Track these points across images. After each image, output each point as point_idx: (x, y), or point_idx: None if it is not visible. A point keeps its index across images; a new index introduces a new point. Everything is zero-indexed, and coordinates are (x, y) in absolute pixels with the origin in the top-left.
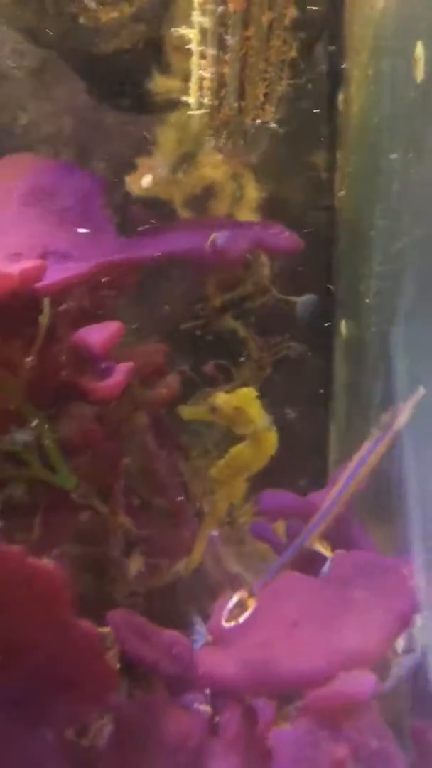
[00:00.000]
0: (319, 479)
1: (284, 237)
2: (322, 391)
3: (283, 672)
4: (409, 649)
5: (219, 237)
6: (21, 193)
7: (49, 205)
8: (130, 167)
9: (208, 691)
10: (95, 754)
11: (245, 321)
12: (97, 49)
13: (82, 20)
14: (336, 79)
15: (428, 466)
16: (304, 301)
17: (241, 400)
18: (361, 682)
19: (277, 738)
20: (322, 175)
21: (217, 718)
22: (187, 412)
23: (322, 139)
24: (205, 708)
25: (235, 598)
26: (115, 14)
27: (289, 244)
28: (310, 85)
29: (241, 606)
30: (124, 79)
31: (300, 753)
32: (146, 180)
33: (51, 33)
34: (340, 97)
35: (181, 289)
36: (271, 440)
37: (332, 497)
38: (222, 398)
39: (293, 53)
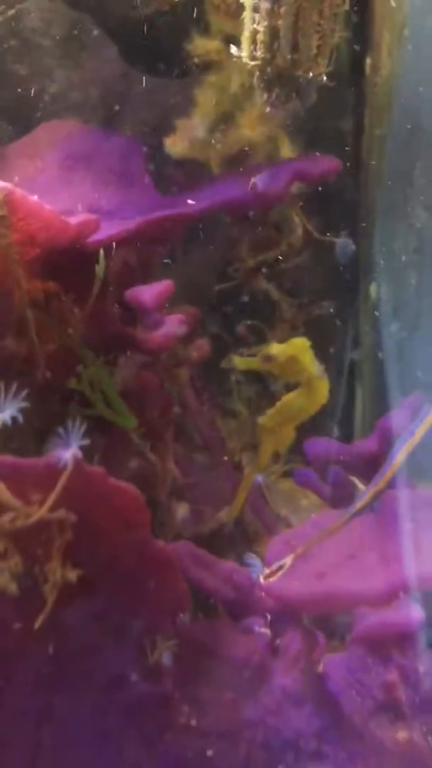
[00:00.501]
0: (346, 438)
1: (321, 161)
2: (349, 352)
3: (345, 592)
4: None
5: (259, 180)
6: (63, 156)
7: (92, 168)
8: (163, 132)
9: (268, 617)
10: (164, 670)
11: (278, 282)
12: (136, 11)
13: None
14: (363, 44)
15: None
16: (342, 243)
17: (295, 349)
18: (410, 612)
19: (330, 663)
20: (349, 136)
21: (277, 641)
22: (239, 362)
23: (350, 102)
24: (266, 631)
25: None
26: None
27: (326, 166)
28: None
29: None
30: (161, 42)
31: (352, 677)
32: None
33: None
34: (368, 61)
35: (215, 251)
36: (323, 389)
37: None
38: (276, 347)
39: (346, 6)
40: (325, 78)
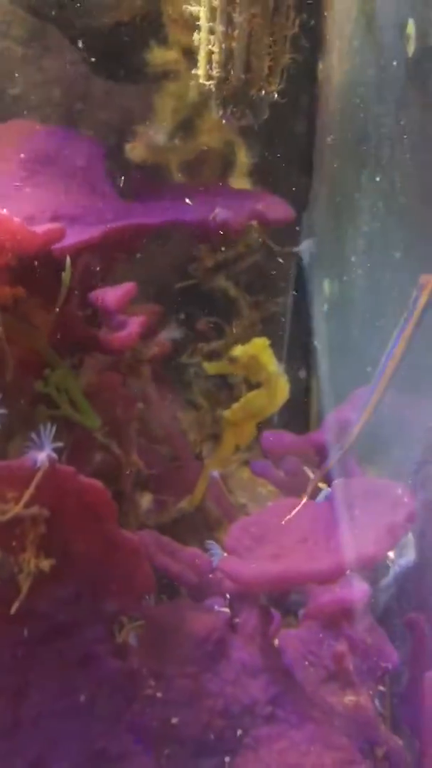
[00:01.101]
0: (301, 430)
1: (278, 209)
2: (304, 346)
3: (296, 571)
4: (402, 555)
5: (221, 213)
6: (26, 158)
7: (54, 171)
8: (123, 134)
9: (227, 596)
10: (131, 648)
11: (235, 280)
12: (97, 21)
13: None
14: (315, 48)
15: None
16: (306, 246)
17: (255, 348)
18: (357, 590)
19: (286, 637)
20: (303, 138)
21: (236, 619)
22: (210, 367)
23: (303, 106)
24: (226, 610)
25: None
26: None
27: (282, 215)
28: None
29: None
30: (122, 51)
31: (306, 649)
32: None
33: (52, 7)
34: (320, 66)
35: (176, 250)
36: (283, 386)
37: (375, 380)
38: (239, 349)
39: (295, 29)
40: (276, 95)
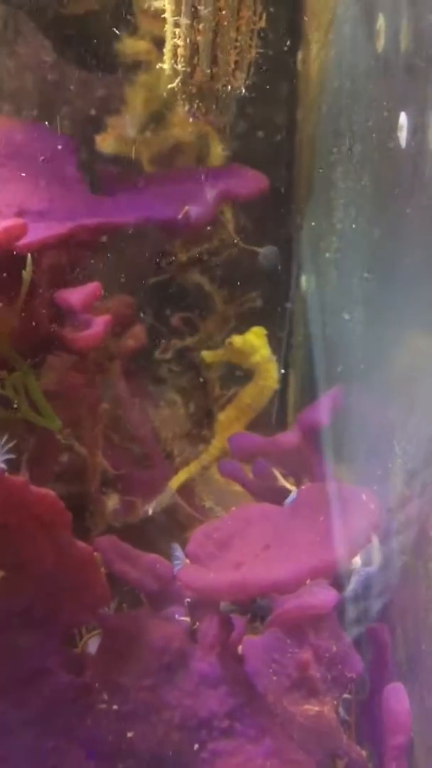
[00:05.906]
0: (280, 424)
1: (250, 180)
2: (282, 340)
3: (255, 581)
4: (367, 563)
5: (192, 210)
6: None
7: (22, 165)
8: (95, 124)
9: (187, 602)
10: (88, 659)
11: (210, 275)
12: (68, 10)
13: None
14: (294, 38)
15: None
16: (265, 252)
17: (253, 333)
18: (324, 596)
19: (249, 645)
20: (282, 132)
21: (195, 626)
22: (207, 355)
23: (282, 97)
24: (185, 618)
25: None
26: None
27: (255, 185)
28: (270, 42)
29: None
30: (93, 40)
31: (269, 657)
32: None
33: None
34: (299, 56)
35: (149, 244)
36: (272, 372)
37: None
38: (236, 338)
39: (262, 23)
40: (243, 91)
